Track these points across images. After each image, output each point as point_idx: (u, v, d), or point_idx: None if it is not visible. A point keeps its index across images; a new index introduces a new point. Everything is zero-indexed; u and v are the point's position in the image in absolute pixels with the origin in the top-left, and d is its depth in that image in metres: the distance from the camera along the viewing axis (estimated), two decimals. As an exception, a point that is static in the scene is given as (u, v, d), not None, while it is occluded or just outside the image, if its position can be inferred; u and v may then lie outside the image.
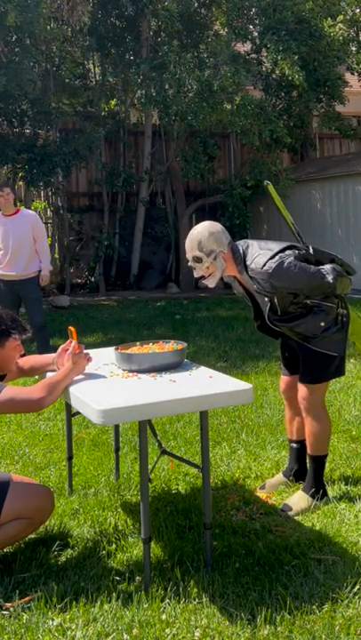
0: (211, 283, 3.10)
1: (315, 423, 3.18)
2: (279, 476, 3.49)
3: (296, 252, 3.04)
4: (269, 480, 3.49)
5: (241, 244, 3.13)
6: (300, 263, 2.98)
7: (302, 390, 3.19)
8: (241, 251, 3.06)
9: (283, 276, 2.93)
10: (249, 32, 11.40)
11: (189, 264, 3.10)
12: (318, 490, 3.21)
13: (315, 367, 3.16)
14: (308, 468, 3.48)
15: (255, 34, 11.64)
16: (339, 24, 10.90)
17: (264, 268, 2.95)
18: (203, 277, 3.10)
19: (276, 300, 3.05)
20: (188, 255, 3.06)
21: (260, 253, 3.00)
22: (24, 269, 6.08)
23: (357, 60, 12.61)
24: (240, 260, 3.03)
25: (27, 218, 6.16)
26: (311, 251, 3.13)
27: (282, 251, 3.00)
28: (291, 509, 3.14)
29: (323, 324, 3.08)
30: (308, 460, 3.30)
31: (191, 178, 12.48)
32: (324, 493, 3.23)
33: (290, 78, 10.46)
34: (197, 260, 3.03)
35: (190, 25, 11.65)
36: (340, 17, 11.11)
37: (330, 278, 3.00)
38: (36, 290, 6.21)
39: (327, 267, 3.05)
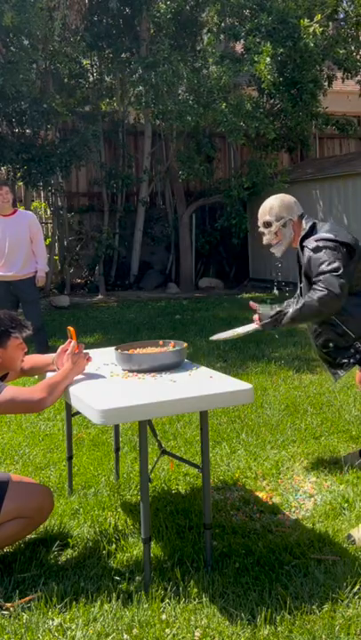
0: (278, 251, 3.17)
1: None
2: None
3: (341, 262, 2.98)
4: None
5: (316, 220, 3.15)
6: (338, 258, 2.94)
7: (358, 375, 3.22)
8: (309, 225, 3.09)
9: (318, 252, 2.97)
10: (240, 32, 11.33)
11: (260, 230, 3.18)
12: None
13: None
14: None
15: (245, 34, 11.56)
16: (315, 25, 10.67)
17: (315, 242, 2.99)
18: (270, 245, 3.16)
19: (304, 284, 3.08)
20: (260, 221, 3.16)
21: (323, 234, 3.02)
22: (20, 270, 6.09)
23: (352, 59, 12.51)
24: (306, 232, 3.07)
25: (24, 218, 6.16)
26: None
27: (340, 244, 2.97)
28: (355, 542, 2.80)
29: (331, 344, 3.15)
30: None
31: (185, 179, 12.45)
32: None
33: (261, 79, 10.39)
34: (267, 224, 3.13)
35: (184, 25, 11.62)
36: (318, 16, 10.91)
37: (336, 285, 2.93)
38: (32, 291, 6.22)
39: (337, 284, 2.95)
